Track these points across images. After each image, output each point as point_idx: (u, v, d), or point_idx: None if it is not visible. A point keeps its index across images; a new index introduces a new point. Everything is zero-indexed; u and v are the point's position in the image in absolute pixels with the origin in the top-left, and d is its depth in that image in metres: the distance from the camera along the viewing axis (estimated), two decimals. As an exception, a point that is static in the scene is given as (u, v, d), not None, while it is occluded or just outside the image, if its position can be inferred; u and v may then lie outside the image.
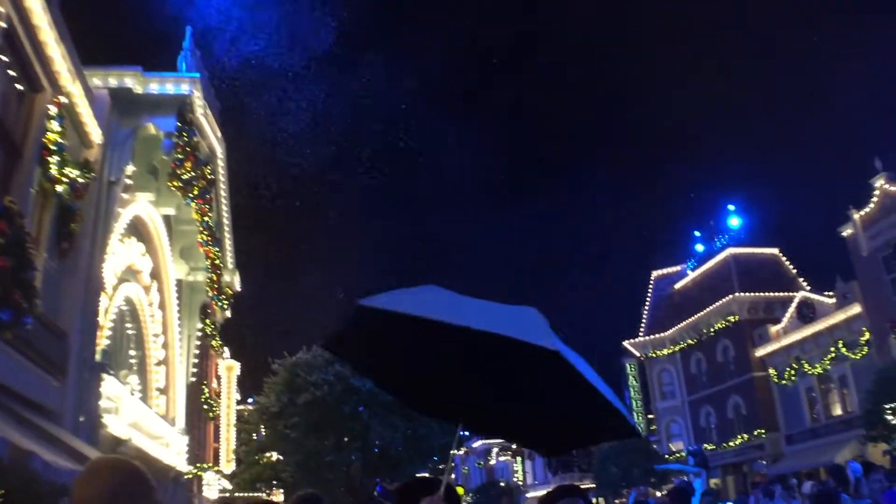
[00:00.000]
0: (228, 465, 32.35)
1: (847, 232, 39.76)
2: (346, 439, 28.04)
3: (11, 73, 10.33)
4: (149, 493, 2.38)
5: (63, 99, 12.23)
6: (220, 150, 23.94)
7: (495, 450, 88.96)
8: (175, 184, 18.95)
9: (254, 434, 32.31)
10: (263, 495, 32.29)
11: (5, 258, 8.27)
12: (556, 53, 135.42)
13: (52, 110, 11.85)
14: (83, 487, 2.26)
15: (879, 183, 37.66)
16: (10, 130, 10.28)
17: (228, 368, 35.04)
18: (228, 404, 34.23)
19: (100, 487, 2.26)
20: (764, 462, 46.44)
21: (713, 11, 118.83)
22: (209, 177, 21.80)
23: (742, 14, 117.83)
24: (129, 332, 20.78)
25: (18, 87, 10.62)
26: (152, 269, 21.91)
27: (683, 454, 52.62)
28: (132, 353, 21.05)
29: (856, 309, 39.46)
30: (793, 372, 44.64)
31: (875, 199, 38.06)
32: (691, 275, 58.80)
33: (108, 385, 15.69)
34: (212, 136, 22.65)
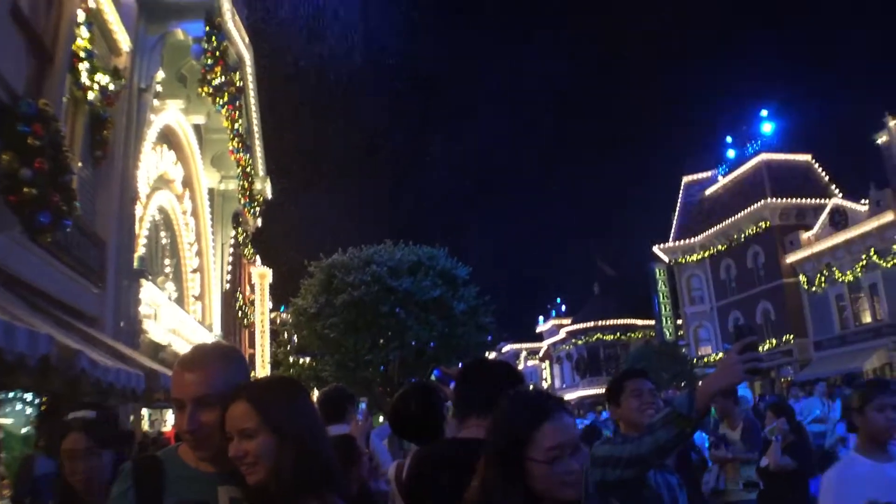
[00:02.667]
0: (264, 370, 33.04)
1: (882, 139, 38.96)
2: (382, 340, 28.49)
3: (40, -23, 10.22)
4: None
5: (91, 3, 12.11)
6: (248, 57, 23.72)
7: (524, 353, 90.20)
8: (205, 90, 18.87)
9: (291, 335, 32.84)
10: None
11: (42, 160, 8.30)
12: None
13: (81, 16, 11.75)
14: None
15: (918, 87, 36.71)
16: (40, 36, 10.20)
17: (261, 276, 35.49)
18: (262, 311, 34.78)
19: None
20: (790, 368, 46.68)
21: None
22: (238, 83, 21.69)
23: None
24: (164, 240, 21.01)
25: (46, -8, 10.51)
26: (184, 178, 22.04)
27: (712, 358, 53.09)
28: (167, 261, 21.33)
29: (889, 217, 38.87)
30: (823, 279, 44.42)
31: (912, 105, 37.13)
32: (722, 181, 58.15)
33: (147, 291, 15.95)
34: (240, 43, 22.42)
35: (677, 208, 61.77)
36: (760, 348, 47.50)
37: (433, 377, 4.01)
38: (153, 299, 16.71)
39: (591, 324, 72.85)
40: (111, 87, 13.50)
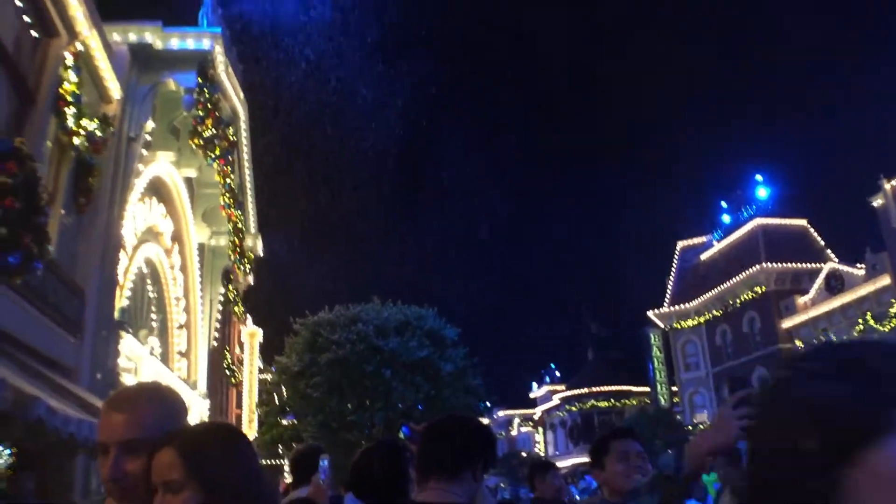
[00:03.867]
0: (251, 431, 32.30)
1: (877, 202, 38.95)
2: (367, 401, 27.82)
3: (26, 18, 9.99)
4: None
5: (79, 47, 11.91)
6: (242, 112, 23.62)
7: (517, 420, 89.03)
8: (196, 142, 18.64)
9: (274, 395, 32.12)
10: (283, 460, 32.24)
11: (14, 199, 7.95)
12: (586, 32, 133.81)
13: (69, 59, 11.53)
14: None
15: (913, 151, 36.85)
16: (23, 75, 9.95)
17: (251, 335, 34.94)
18: (251, 370, 34.16)
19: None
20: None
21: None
22: (231, 138, 21.51)
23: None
24: (151, 294, 20.57)
25: (33, 33, 10.29)
26: (174, 232, 21.68)
27: (707, 425, 52.31)
28: (153, 315, 20.86)
29: (885, 280, 38.75)
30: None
31: (908, 168, 37.22)
32: (717, 245, 58.16)
33: (127, 344, 15.48)
34: (234, 97, 22.32)
35: (672, 273, 61.64)
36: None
37: (401, 435, 3.57)
38: (134, 353, 16.22)
39: (585, 390, 72.09)
40: (98, 133, 13.25)
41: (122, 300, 16.12)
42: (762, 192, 55.64)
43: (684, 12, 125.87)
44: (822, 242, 53.21)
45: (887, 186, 38.05)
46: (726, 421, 2.10)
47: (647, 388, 65.51)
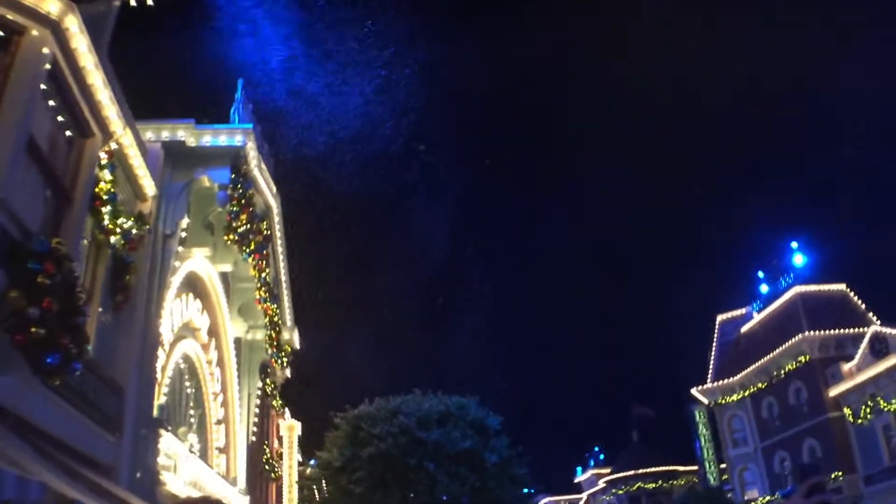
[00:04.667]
0: (292, 527, 31.70)
1: (919, 262, 38.41)
2: (411, 495, 27.21)
3: (60, 118, 10.16)
4: None
5: (114, 146, 12.09)
6: (275, 205, 23.81)
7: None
8: (231, 237, 18.76)
9: (314, 490, 31.54)
10: None
11: (52, 300, 7.94)
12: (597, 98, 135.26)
13: (104, 158, 11.69)
14: None
15: (952, 210, 36.45)
16: (59, 176, 10.07)
17: (290, 428, 34.56)
18: (290, 464, 33.67)
19: None
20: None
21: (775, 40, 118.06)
22: (265, 232, 21.65)
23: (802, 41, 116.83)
24: (188, 389, 20.48)
25: (68, 133, 10.45)
26: (210, 327, 21.69)
27: (760, 502, 50.68)
28: (191, 411, 20.73)
29: (930, 341, 37.95)
30: (868, 410, 42.97)
31: (948, 227, 36.76)
32: (757, 317, 57.38)
33: (166, 442, 15.32)
34: (266, 191, 22.53)
35: (713, 348, 60.79)
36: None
37: None
38: (172, 450, 16.04)
39: (632, 472, 70.58)
40: (135, 231, 13.37)
41: (160, 397, 16.03)
42: (799, 259, 55.07)
43: (711, 84, 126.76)
44: (864, 306, 52.32)
45: (927, 247, 37.56)
46: None
47: (695, 467, 64.04)
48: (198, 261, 20.06)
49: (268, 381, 27.57)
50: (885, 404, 41.42)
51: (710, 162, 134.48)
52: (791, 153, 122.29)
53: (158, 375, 15.81)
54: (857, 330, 47.83)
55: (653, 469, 69.17)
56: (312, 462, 38.62)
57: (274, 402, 29.69)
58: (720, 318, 61.89)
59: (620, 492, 70.88)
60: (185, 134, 16.71)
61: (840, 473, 44.78)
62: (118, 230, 12.66)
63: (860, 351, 44.42)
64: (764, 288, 57.63)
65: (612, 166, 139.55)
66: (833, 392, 46.27)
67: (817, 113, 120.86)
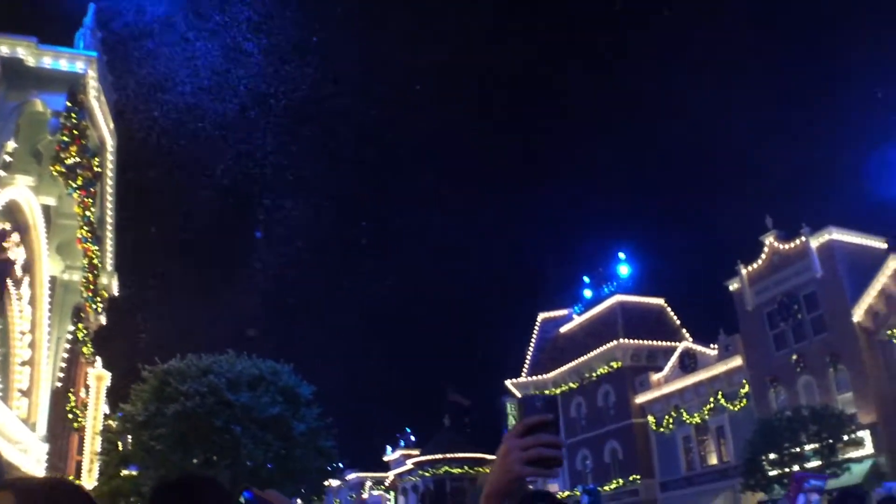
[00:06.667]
0: (91, 479, 30.41)
1: (734, 286, 40.85)
2: (214, 457, 26.40)
3: None
4: None
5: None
6: (110, 143, 22.69)
7: (368, 483, 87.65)
8: (57, 168, 17.74)
9: (118, 444, 30.18)
10: None
11: None
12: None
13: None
14: None
15: (769, 240, 38.88)
16: None
17: (98, 378, 33.15)
18: (95, 416, 32.30)
19: None
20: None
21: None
22: (96, 169, 20.56)
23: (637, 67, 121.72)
24: (-6, 325, 19.26)
25: None
26: (25, 261, 20.42)
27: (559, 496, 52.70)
28: (-5, 348, 19.50)
29: (737, 361, 40.47)
30: (671, 420, 45.36)
31: (763, 255, 39.24)
32: (578, 319, 59.37)
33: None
34: (103, 127, 21.42)
35: (532, 344, 62.51)
36: (606, 487, 48.14)
37: (242, 500, 3.04)
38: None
39: (440, 456, 71.65)
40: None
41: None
42: (624, 270, 57.37)
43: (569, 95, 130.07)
44: (679, 322, 55.14)
45: (744, 272, 39.98)
46: (509, 454, 1.58)
47: (501, 457, 65.61)
48: (20, 189, 18.82)
49: (80, 325, 26.21)
50: (688, 417, 43.81)
51: (553, 163, 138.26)
52: (635, 167, 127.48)
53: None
54: (669, 343, 50.19)
55: (460, 455, 70.51)
56: (120, 415, 37.14)
57: (84, 349, 28.26)
58: (542, 316, 63.62)
59: (427, 474, 71.88)
60: (25, 52, 15.70)
61: (638, 477, 47.04)
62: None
63: (670, 363, 46.68)
64: (588, 293, 59.66)
65: (441, 163, 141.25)
66: (640, 399, 48.43)
67: (651, 132, 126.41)
